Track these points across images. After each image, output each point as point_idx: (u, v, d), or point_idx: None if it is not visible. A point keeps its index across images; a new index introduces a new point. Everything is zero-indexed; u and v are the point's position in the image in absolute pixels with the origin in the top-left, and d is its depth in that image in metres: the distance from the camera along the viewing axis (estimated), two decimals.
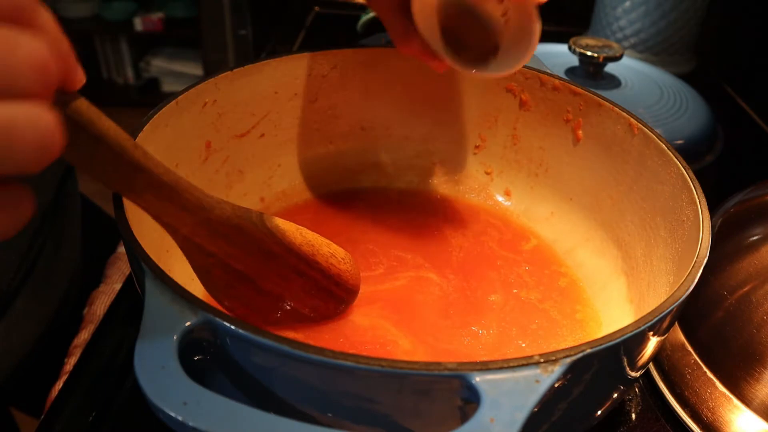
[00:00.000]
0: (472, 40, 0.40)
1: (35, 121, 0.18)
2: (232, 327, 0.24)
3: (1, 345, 0.49)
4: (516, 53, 0.39)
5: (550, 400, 0.25)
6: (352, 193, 0.52)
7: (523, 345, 0.39)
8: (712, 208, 0.39)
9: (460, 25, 0.40)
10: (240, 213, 0.32)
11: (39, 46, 0.19)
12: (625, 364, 0.28)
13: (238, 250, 0.32)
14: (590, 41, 0.66)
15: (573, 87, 0.45)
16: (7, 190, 0.20)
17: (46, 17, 0.20)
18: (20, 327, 0.51)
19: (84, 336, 0.52)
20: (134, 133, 0.35)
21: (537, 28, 0.38)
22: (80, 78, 0.22)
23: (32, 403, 0.52)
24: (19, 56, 0.18)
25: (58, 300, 0.55)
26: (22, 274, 0.51)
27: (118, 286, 0.56)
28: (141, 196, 0.28)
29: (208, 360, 0.26)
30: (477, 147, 0.51)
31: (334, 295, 0.38)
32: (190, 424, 0.20)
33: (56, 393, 0.44)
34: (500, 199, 0.51)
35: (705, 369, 0.39)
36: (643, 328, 0.26)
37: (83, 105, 0.23)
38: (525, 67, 0.47)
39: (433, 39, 0.39)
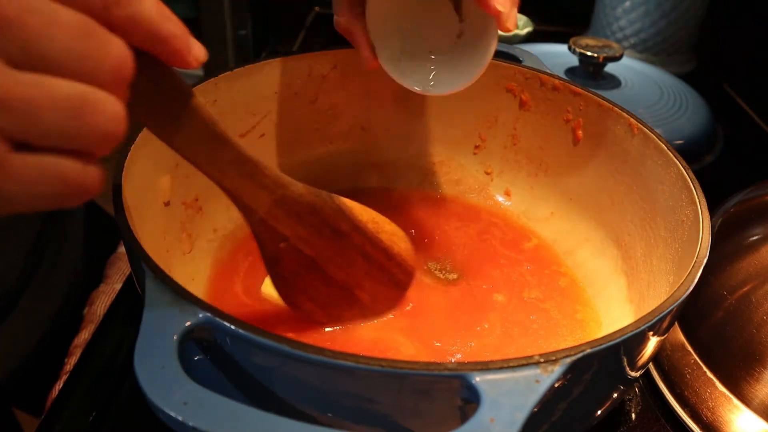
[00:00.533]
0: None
1: (105, 105, 0.21)
2: (232, 327, 0.24)
3: (5, 344, 0.49)
4: (466, 71, 0.40)
5: (550, 400, 0.25)
6: (352, 193, 0.51)
7: (524, 345, 0.39)
8: (712, 208, 0.39)
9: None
10: (311, 190, 0.33)
11: (121, 50, 0.21)
12: (625, 364, 0.28)
13: (309, 231, 0.34)
14: (590, 41, 0.66)
15: (573, 87, 0.45)
16: (80, 162, 0.21)
17: (148, 4, 0.22)
18: (24, 327, 0.51)
19: (84, 336, 0.52)
20: (135, 132, 0.35)
21: (491, 48, 0.38)
22: (195, 56, 0.24)
23: (33, 403, 0.52)
24: (102, 55, 0.21)
25: (61, 300, 0.55)
26: (26, 275, 0.51)
27: (118, 286, 0.56)
28: (224, 172, 0.30)
29: (208, 360, 0.26)
30: (477, 147, 0.51)
31: (395, 278, 0.38)
32: (190, 424, 0.20)
33: (56, 393, 0.44)
34: (500, 199, 0.51)
35: (705, 369, 0.39)
36: (643, 328, 0.26)
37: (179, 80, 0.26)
38: (525, 67, 0.47)
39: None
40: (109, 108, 0.21)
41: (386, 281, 0.38)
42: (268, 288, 0.41)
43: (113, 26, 0.21)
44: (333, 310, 0.37)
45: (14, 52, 0.19)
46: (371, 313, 0.38)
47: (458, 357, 0.38)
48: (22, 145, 0.20)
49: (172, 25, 0.23)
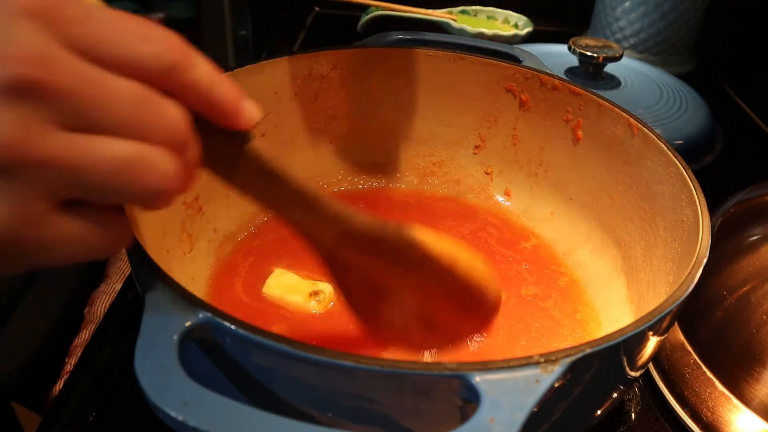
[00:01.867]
0: None
1: (157, 163, 0.21)
2: (232, 327, 0.24)
3: (8, 345, 0.49)
4: None
5: (550, 400, 0.25)
6: (353, 193, 0.52)
7: (524, 344, 0.39)
8: (712, 208, 0.39)
9: None
10: (378, 222, 0.32)
11: (175, 114, 0.22)
12: (625, 364, 0.28)
13: (376, 263, 0.32)
14: (590, 41, 0.66)
15: (573, 87, 0.45)
16: (111, 216, 0.22)
17: (201, 70, 0.23)
18: (27, 327, 0.51)
19: (84, 336, 0.52)
20: None
21: None
22: (247, 118, 0.26)
23: (35, 401, 0.52)
24: (157, 121, 0.21)
25: (63, 300, 0.56)
26: (29, 275, 0.51)
27: (118, 286, 0.56)
28: (286, 208, 0.31)
29: (208, 360, 0.26)
30: (477, 147, 0.51)
31: (474, 307, 0.35)
32: (191, 424, 0.20)
33: (57, 393, 0.44)
34: (500, 199, 0.51)
35: (705, 369, 0.39)
36: (642, 328, 0.26)
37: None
38: (525, 67, 0.47)
39: None
40: (161, 166, 0.21)
41: (465, 311, 0.35)
42: (270, 289, 0.41)
43: (169, 91, 0.22)
44: (413, 337, 0.35)
45: (68, 118, 0.20)
46: (449, 340, 0.36)
47: (457, 355, 0.38)
48: (67, 202, 0.21)
49: (225, 90, 0.24)
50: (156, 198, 0.22)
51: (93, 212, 0.22)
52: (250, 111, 0.26)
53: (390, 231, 0.32)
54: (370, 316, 0.34)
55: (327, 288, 0.41)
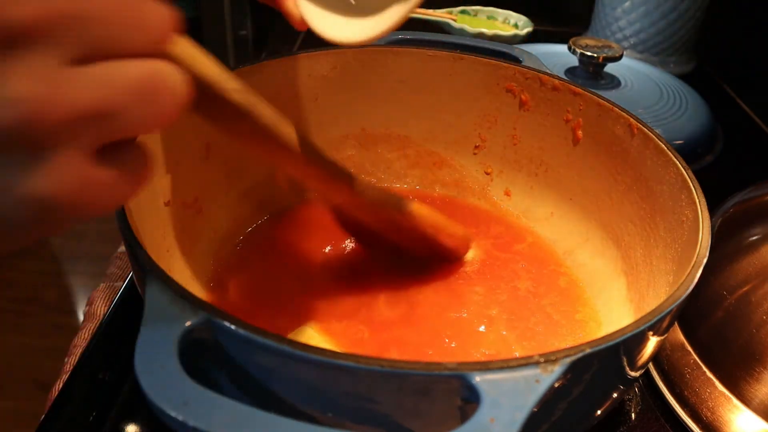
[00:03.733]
0: None
1: (172, 75, 0.20)
2: (232, 327, 0.24)
3: None
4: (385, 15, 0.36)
5: (550, 399, 0.25)
6: None
7: (524, 344, 0.39)
8: (712, 208, 0.39)
9: None
10: (383, 194, 0.40)
11: (161, 15, 0.20)
12: (625, 364, 0.28)
13: (377, 220, 0.40)
14: (590, 41, 0.66)
15: (573, 87, 0.45)
16: (135, 150, 0.21)
17: None
18: None
19: (84, 336, 0.52)
20: None
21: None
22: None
23: None
24: (152, 19, 0.20)
25: None
26: None
27: (118, 286, 0.56)
28: (309, 172, 0.34)
29: (208, 360, 0.26)
30: (477, 147, 0.51)
31: (450, 256, 0.45)
32: (191, 424, 0.20)
33: (57, 393, 0.44)
34: (500, 199, 0.51)
35: (705, 369, 0.39)
36: (642, 328, 0.26)
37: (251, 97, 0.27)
38: (525, 67, 0.47)
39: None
40: (172, 73, 0.20)
41: (443, 257, 0.45)
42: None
43: None
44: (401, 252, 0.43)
45: (76, 48, 0.18)
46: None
47: (456, 355, 0.38)
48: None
49: None
50: (177, 110, 0.21)
51: (120, 153, 0.20)
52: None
53: (392, 201, 0.39)
54: (367, 244, 0.44)
55: None
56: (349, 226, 0.42)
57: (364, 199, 0.38)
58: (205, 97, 0.25)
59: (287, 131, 0.30)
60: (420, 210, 0.41)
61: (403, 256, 0.43)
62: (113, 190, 0.20)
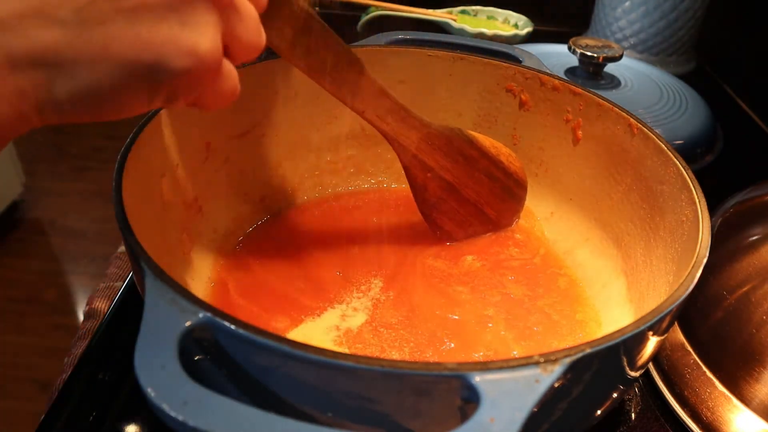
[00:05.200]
0: None
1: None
2: (232, 327, 0.24)
3: None
4: None
5: (550, 399, 0.25)
6: (353, 193, 0.52)
7: (524, 344, 0.39)
8: (712, 208, 0.39)
9: None
10: (446, 127, 0.42)
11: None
12: (625, 363, 0.28)
13: (448, 160, 0.43)
14: (590, 41, 0.66)
15: (573, 87, 0.45)
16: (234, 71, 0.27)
17: None
18: None
19: (84, 336, 0.52)
20: (135, 133, 0.35)
21: None
22: None
23: None
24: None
25: None
26: None
27: (118, 286, 0.56)
28: (384, 118, 0.39)
29: (208, 360, 0.26)
30: None
31: (513, 193, 0.47)
32: (191, 423, 0.20)
33: (57, 393, 0.44)
34: None
35: (705, 369, 0.39)
36: (642, 328, 0.26)
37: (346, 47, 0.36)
38: (525, 67, 0.47)
39: None
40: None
41: (507, 197, 0.47)
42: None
43: None
44: (468, 228, 0.46)
45: None
46: (496, 226, 0.48)
47: (456, 354, 0.38)
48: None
49: None
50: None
51: (231, 67, 0.27)
52: None
53: (455, 132, 0.43)
54: (438, 211, 0.45)
55: None
56: (428, 188, 0.43)
57: (433, 130, 0.41)
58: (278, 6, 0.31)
59: (353, 55, 0.36)
60: (479, 136, 0.44)
61: (457, 230, 0.46)
62: (224, 82, 0.27)
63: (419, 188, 0.44)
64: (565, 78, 0.49)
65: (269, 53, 0.35)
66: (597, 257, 0.45)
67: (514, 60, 0.49)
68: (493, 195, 0.46)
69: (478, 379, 0.23)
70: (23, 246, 1.61)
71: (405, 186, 0.53)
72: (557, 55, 0.72)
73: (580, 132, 0.45)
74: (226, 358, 0.25)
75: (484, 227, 0.47)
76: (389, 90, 0.38)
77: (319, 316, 0.40)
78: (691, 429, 0.38)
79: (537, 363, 0.23)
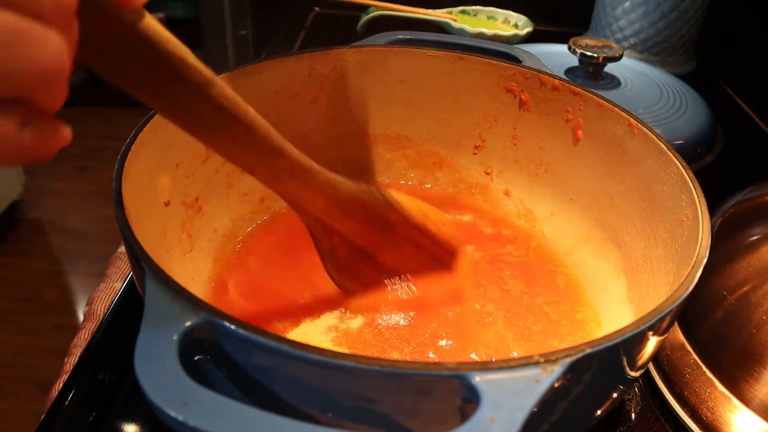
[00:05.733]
0: None
1: (45, 37, 0.18)
2: (232, 327, 0.24)
3: None
4: None
5: (550, 400, 0.25)
6: None
7: (523, 344, 0.39)
8: (712, 208, 0.39)
9: None
10: (361, 188, 0.36)
11: None
12: (625, 364, 0.28)
13: (361, 225, 0.36)
14: (590, 41, 0.66)
15: (573, 87, 0.45)
16: (43, 121, 0.20)
17: None
18: None
19: (83, 336, 0.52)
20: (135, 133, 0.35)
21: None
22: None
23: None
24: None
25: None
26: None
27: (118, 286, 0.56)
28: (281, 181, 0.31)
29: (208, 360, 0.26)
30: (477, 147, 0.51)
31: (440, 260, 0.41)
32: (191, 423, 0.20)
33: (56, 393, 0.44)
34: (500, 199, 0.51)
35: (705, 369, 0.39)
36: (642, 328, 0.26)
37: (227, 90, 0.26)
38: (525, 67, 0.47)
39: None
40: (50, 41, 0.18)
41: (434, 265, 0.41)
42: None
43: None
44: (385, 293, 0.40)
45: None
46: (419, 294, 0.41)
47: (455, 354, 0.38)
48: None
49: None
50: (46, 80, 0.19)
51: (13, 111, 0.19)
52: None
53: (373, 194, 0.36)
54: (347, 276, 0.39)
55: None
56: (336, 253, 0.37)
57: (343, 194, 0.34)
58: (164, 71, 0.24)
59: (261, 122, 0.28)
60: (401, 197, 0.38)
61: (398, 278, 0.40)
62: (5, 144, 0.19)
63: (326, 252, 0.37)
64: (565, 78, 0.49)
65: (269, 53, 0.34)
66: (597, 257, 0.45)
67: (514, 60, 0.49)
68: (416, 261, 0.40)
69: (478, 379, 0.23)
70: (23, 246, 1.62)
71: (405, 185, 0.53)
72: (557, 55, 0.72)
73: (580, 132, 0.45)
74: (226, 358, 0.25)
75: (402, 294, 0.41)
76: (288, 145, 0.31)
77: (318, 316, 0.40)
78: (691, 429, 0.38)
79: (537, 363, 0.23)
